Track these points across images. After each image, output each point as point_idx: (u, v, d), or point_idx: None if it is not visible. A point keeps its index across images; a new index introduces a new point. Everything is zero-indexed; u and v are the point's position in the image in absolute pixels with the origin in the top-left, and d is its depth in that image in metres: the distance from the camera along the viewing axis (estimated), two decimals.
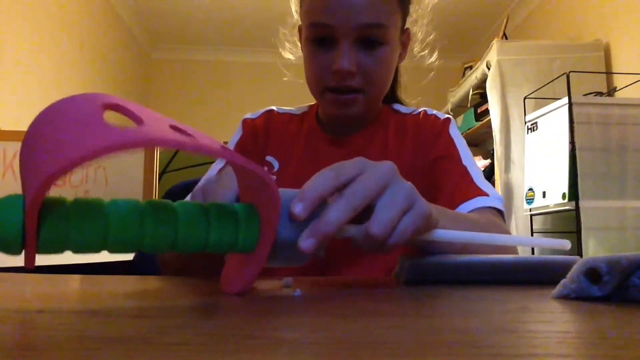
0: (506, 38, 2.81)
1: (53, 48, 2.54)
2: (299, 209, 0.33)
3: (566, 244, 0.44)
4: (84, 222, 0.28)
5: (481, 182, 0.71)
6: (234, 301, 0.32)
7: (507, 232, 0.65)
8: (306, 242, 0.33)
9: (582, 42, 2.55)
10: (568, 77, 2.04)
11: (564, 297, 0.32)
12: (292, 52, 0.86)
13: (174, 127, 0.30)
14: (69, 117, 0.28)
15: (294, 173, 0.76)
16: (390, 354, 0.17)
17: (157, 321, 0.24)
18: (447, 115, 0.80)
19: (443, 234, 0.42)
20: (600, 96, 2.23)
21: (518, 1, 3.34)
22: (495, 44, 2.52)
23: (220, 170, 0.76)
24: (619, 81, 2.33)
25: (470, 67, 3.21)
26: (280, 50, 0.86)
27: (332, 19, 0.66)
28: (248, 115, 0.84)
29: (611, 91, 2.33)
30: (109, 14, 3.28)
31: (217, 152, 0.30)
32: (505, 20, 2.92)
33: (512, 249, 0.61)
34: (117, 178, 1.84)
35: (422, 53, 0.83)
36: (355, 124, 0.78)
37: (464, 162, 0.73)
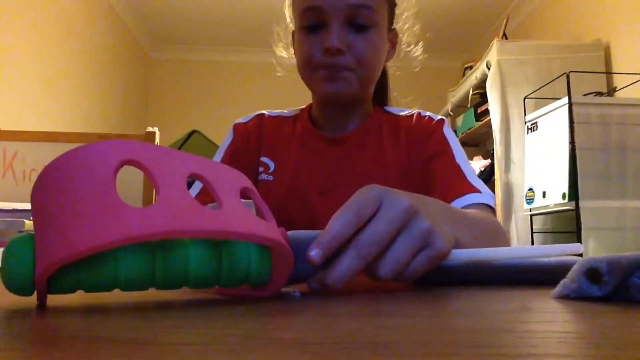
0: (506, 38, 2.81)
1: (53, 48, 2.54)
2: (315, 255, 0.33)
3: (579, 247, 0.43)
4: (94, 269, 0.28)
5: (474, 179, 0.72)
6: (234, 301, 0.32)
7: (502, 227, 0.66)
8: (313, 285, 0.35)
9: (582, 42, 2.55)
10: (568, 77, 2.04)
11: (564, 297, 0.32)
12: (286, 51, 0.87)
13: (194, 175, 0.30)
14: (83, 188, 0.27)
15: (291, 172, 0.77)
16: (390, 354, 0.17)
17: (157, 321, 0.24)
18: (440, 117, 0.81)
19: (460, 254, 0.40)
20: (600, 96, 2.23)
21: (518, 1, 3.34)
22: (495, 44, 2.52)
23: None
24: (619, 81, 2.33)
25: (470, 67, 3.21)
26: (274, 47, 0.87)
27: (322, 1, 0.69)
28: (239, 120, 0.84)
29: (611, 91, 2.33)
30: (109, 14, 3.28)
31: (255, 238, 0.30)
32: (505, 20, 2.92)
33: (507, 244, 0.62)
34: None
35: (409, 48, 0.84)
36: (347, 114, 0.78)
37: (457, 161, 0.74)
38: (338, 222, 0.34)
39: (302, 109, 0.86)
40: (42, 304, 0.29)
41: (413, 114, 0.81)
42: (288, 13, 0.83)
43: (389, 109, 0.84)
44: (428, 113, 0.81)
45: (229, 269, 0.31)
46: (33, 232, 0.27)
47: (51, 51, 2.52)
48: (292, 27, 0.82)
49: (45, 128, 2.25)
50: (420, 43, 0.85)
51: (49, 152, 1.80)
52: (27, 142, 1.80)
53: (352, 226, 0.34)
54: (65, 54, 2.66)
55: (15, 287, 0.27)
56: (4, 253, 0.27)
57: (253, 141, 0.81)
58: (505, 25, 2.87)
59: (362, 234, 0.35)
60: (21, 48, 2.25)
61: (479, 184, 0.72)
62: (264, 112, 0.85)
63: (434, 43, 3.93)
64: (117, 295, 0.34)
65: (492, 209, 0.70)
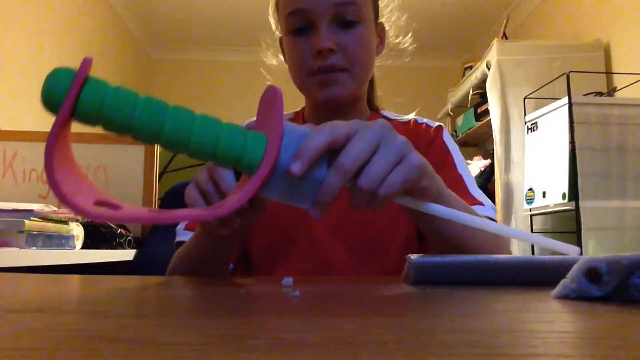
0: (506, 38, 2.81)
1: (53, 48, 2.54)
2: (296, 167, 0.36)
3: (576, 250, 0.43)
4: (117, 101, 0.33)
5: (475, 190, 0.71)
6: (234, 301, 0.32)
7: (505, 242, 0.66)
8: (295, 165, 0.36)
9: (582, 42, 2.55)
10: (568, 77, 2.04)
11: (564, 297, 0.32)
12: (275, 58, 0.86)
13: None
14: None
15: None
16: (390, 354, 0.17)
17: (157, 321, 0.24)
18: (438, 123, 0.79)
19: (440, 209, 0.43)
20: (600, 96, 2.23)
21: (518, 1, 3.34)
22: (495, 44, 2.52)
23: None
24: (619, 81, 2.33)
25: (470, 67, 3.21)
26: (262, 57, 0.86)
27: (307, 2, 0.68)
28: None
29: (611, 91, 2.33)
30: (109, 14, 3.28)
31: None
32: (505, 20, 2.92)
33: (506, 246, 0.62)
34: (117, 178, 1.84)
35: (397, 40, 0.83)
36: (342, 116, 0.78)
37: (459, 170, 0.73)
38: (316, 136, 0.37)
39: (296, 113, 0.84)
40: (61, 121, 0.32)
41: (409, 121, 0.80)
42: (273, 21, 0.82)
43: (385, 113, 0.83)
44: (425, 120, 0.80)
45: (228, 134, 0.35)
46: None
47: (51, 51, 2.52)
48: (278, 34, 0.81)
49: (45, 128, 2.24)
50: (409, 34, 0.84)
51: None
52: (27, 142, 1.80)
53: (328, 137, 0.37)
54: (65, 53, 2.66)
55: (49, 101, 0.31)
56: (49, 75, 0.32)
57: None
58: (505, 25, 2.87)
59: (341, 153, 0.38)
60: (21, 48, 2.25)
61: (480, 195, 0.71)
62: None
63: (435, 43, 3.94)
64: (117, 296, 0.34)
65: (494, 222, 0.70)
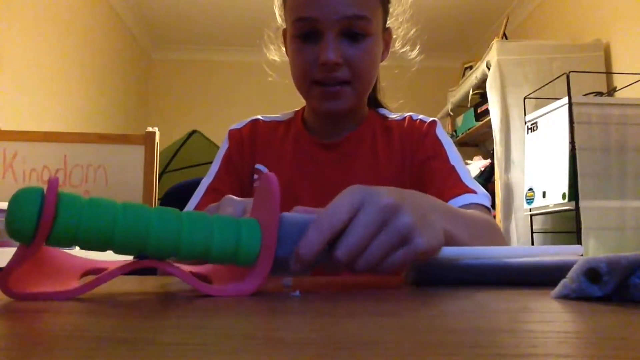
0: (506, 38, 2.81)
1: (53, 48, 2.54)
2: (296, 267, 0.36)
3: (579, 249, 0.43)
4: (94, 221, 0.30)
5: (469, 180, 0.72)
6: (234, 301, 0.32)
7: (498, 227, 0.66)
8: (295, 266, 0.36)
9: (582, 42, 2.55)
10: (568, 77, 2.04)
11: (564, 297, 0.32)
12: (276, 54, 0.85)
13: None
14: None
15: (286, 179, 0.75)
16: (390, 354, 0.17)
17: (157, 321, 0.24)
18: (432, 118, 0.80)
19: (451, 251, 0.41)
20: (600, 96, 2.23)
21: (518, 1, 3.34)
22: (495, 44, 2.52)
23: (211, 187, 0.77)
24: (619, 81, 2.33)
25: (470, 67, 3.21)
26: (265, 51, 0.86)
27: (317, 12, 0.67)
28: (233, 126, 0.83)
29: (611, 91, 2.33)
30: (109, 14, 3.28)
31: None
32: (505, 20, 2.92)
33: (500, 237, 0.63)
34: (117, 178, 1.84)
35: (404, 49, 0.83)
36: (342, 122, 0.78)
37: (452, 162, 0.74)
38: (314, 232, 0.36)
39: (296, 112, 0.84)
40: (34, 249, 0.29)
41: (405, 118, 0.81)
42: (277, 10, 0.81)
43: (382, 111, 0.83)
44: (420, 116, 0.81)
45: (220, 237, 0.33)
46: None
47: (51, 51, 2.52)
48: (282, 25, 0.80)
49: (45, 128, 2.25)
50: (417, 47, 0.84)
51: (49, 152, 1.80)
52: (27, 142, 1.80)
53: (327, 234, 0.36)
54: (65, 54, 2.65)
55: (18, 233, 0.28)
56: (12, 199, 0.29)
57: (247, 148, 0.80)
58: (505, 25, 2.87)
59: (339, 244, 0.36)
60: (21, 48, 2.25)
61: (474, 184, 0.72)
62: (259, 117, 0.84)
63: (434, 43, 3.94)
64: (117, 296, 0.34)
65: (488, 209, 0.70)
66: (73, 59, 2.75)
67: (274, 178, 0.35)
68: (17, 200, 0.28)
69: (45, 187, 0.29)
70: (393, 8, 0.79)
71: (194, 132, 3.00)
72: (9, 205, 0.28)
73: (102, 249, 0.31)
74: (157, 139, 1.89)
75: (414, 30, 0.82)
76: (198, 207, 0.74)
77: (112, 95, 3.33)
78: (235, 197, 0.48)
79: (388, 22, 0.78)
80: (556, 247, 0.44)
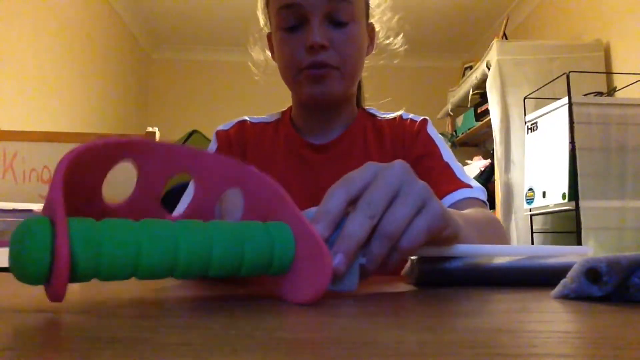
0: (506, 38, 2.81)
1: (53, 48, 2.54)
2: (319, 230, 0.32)
3: (588, 251, 0.43)
4: (115, 253, 0.25)
5: (463, 175, 0.72)
6: (234, 301, 0.32)
7: (500, 222, 0.67)
8: (335, 259, 0.32)
9: (582, 42, 2.55)
10: (568, 77, 2.04)
11: (564, 297, 0.32)
12: (262, 54, 0.84)
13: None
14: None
15: (278, 182, 0.75)
16: (390, 354, 0.17)
17: (157, 321, 0.24)
18: (423, 117, 0.80)
19: (467, 249, 0.40)
20: (600, 96, 2.23)
21: (518, 1, 3.34)
22: (495, 44, 2.52)
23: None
24: (619, 81, 2.33)
25: (470, 67, 3.21)
26: (250, 51, 0.85)
27: None
28: (220, 127, 0.83)
29: (611, 91, 2.33)
30: (109, 14, 3.28)
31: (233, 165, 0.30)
32: (505, 20, 2.92)
33: (503, 233, 0.63)
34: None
35: (388, 41, 0.83)
36: (330, 118, 0.77)
37: (445, 159, 0.74)
38: (330, 197, 0.34)
39: (282, 113, 0.84)
40: (59, 298, 0.25)
41: (395, 117, 0.81)
42: (262, 16, 0.81)
43: (371, 110, 0.83)
44: (410, 115, 0.81)
45: (252, 251, 0.30)
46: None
47: (51, 51, 2.52)
48: (267, 29, 0.80)
49: (45, 128, 2.25)
50: (400, 35, 0.83)
51: (49, 152, 1.80)
52: (27, 142, 1.80)
53: (344, 195, 0.34)
54: (65, 54, 2.65)
55: (28, 276, 0.24)
56: (15, 235, 0.24)
57: (236, 150, 0.79)
58: (505, 25, 2.87)
59: (361, 199, 0.34)
60: (21, 48, 2.25)
61: (469, 179, 0.72)
62: (246, 118, 0.83)
63: (435, 43, 3.94)
64: (117, 296, 0.34)
65: (485, 203, 0.71)
66: (73, 59, 2.75)
67: (275, 182, 0.33)
68: (22, 241, 0.24)
69: (47, 208, 0.26)
70: (374, 3, 0.79)
71: (193, 132, 2.99)
72: (13, 248, 0.24)
73: (127, 277, 0.27)
74: (157, 139, 1.89)
75: (396, 18, 0.82)
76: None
77: (112, 95, 3.33)
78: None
79: (371, 18, 0.78)
80: (567, 247, 0.44)
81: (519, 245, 0.57)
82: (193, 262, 0.28)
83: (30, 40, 2.32)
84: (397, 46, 0.84)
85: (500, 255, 0.42)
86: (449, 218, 0.38)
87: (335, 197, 0.34)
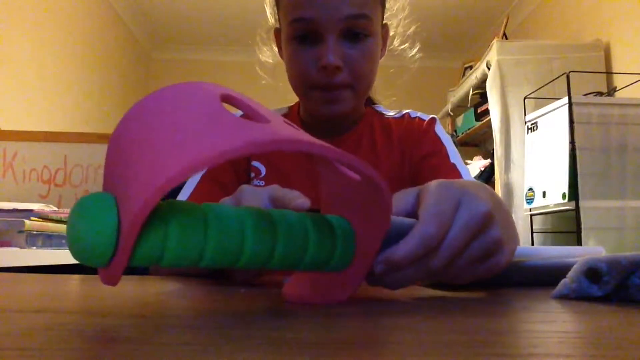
0: (506, 38, 2.81)
1: (53, 48, 2.54)
2: (380, 269, 0.32)
3: (601, 251, 0.43)
4: (185, 231, 0.24)
5: (470, 179, 0.72)
6: (234, 301, 0.32)
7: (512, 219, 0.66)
8: (379, 266, 0.32)
9: (582, 42, 2.55)
10: (568, 77, 2.04)
11: (564, 297, 0.32)
12: (269, 56, 0.83)
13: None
14: (185, 108, 0.24)
15: (284, 178, 0.74)
16: (391, 354, 0.17)
17: (157, 321, 0.24)
18: (431, 116, 0.79)
19: (523, 250, 0.40)
20: (600, 96, 2.23)
21: (518, 1, 3.34)
22: (495, 44, 2.52)
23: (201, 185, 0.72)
24: (619, 81, 2.33)
25: (470, 67, 3.21)
26: (257, 53, 0.83)
27: (316, 12, 0.64)
28: None
29: (611, 91, 2.33)
30: (109, 14, 3.28)
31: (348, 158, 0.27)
32: (505, 20, 2.92)
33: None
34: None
35: (403, 46, 0.82)
36: (340, 123, 0.77)
37: (452, 160, 0.74)
38: (418, 238, 0.32)
39: (290, 107, 0.82)
40: (114, 281, 0.23)
41: (403, 116, 0.80)
42: (269, 9, 0.78)
43: (379, 108, 0.82)
44: (418, 113, 0.80)
45: (316, 243, 0.29)
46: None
47: (51, 51, 2.52)
48: (273, 23, 0.78)
49: (45, 128, 2.25)
50: (417, 45, 0.83)
51: (49, 152, 1.80)
52: (27, 142, 1.80)
53: (434, 241, 0.32)
54: (65, 53, 2.65)
55: (90, 254, 0.22)
56: (74, 212, 0.22)
57: None
58: (505, 25, 2.87)
59: (443, 247, 0.33)
60: (21, 48, 2.25)
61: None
62: None
63: (434, 43, 3.94)
64: (117, 296, 0.34)
65: None
66: (73, 59, 2.75)
67: (384, 185, 0.30)
68: (83, 210, 0.22)
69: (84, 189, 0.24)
70: (390, 4, 0.78)
71: None
72: (74, 225, 0.22)
73: (190, 265, 0.25)
74: None
75: (413, 27, 0.81)
76: (192, 195, 0.70)
77: (112, 95, 3.33)
78: (252, 187, 0.43)
79: (385, 18, 0.77)
80: (579, 248, 0.44)
81: (532, 247, 0.57)
82: (258, 254, 0.27)
83: (30, 40, 2.32)
84: (412, 54, 0.82)
85: (532, 257, 0.42)
86: (504, 267, 0.37)
87: (418, 242, 0.32)
